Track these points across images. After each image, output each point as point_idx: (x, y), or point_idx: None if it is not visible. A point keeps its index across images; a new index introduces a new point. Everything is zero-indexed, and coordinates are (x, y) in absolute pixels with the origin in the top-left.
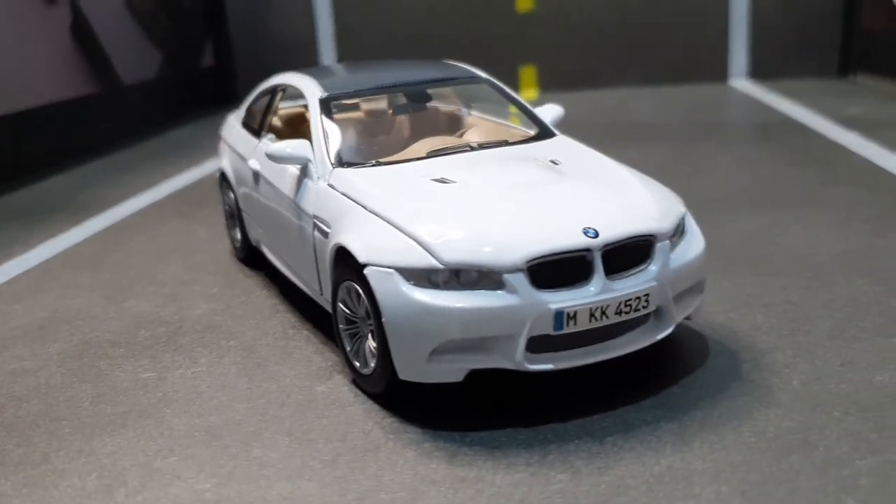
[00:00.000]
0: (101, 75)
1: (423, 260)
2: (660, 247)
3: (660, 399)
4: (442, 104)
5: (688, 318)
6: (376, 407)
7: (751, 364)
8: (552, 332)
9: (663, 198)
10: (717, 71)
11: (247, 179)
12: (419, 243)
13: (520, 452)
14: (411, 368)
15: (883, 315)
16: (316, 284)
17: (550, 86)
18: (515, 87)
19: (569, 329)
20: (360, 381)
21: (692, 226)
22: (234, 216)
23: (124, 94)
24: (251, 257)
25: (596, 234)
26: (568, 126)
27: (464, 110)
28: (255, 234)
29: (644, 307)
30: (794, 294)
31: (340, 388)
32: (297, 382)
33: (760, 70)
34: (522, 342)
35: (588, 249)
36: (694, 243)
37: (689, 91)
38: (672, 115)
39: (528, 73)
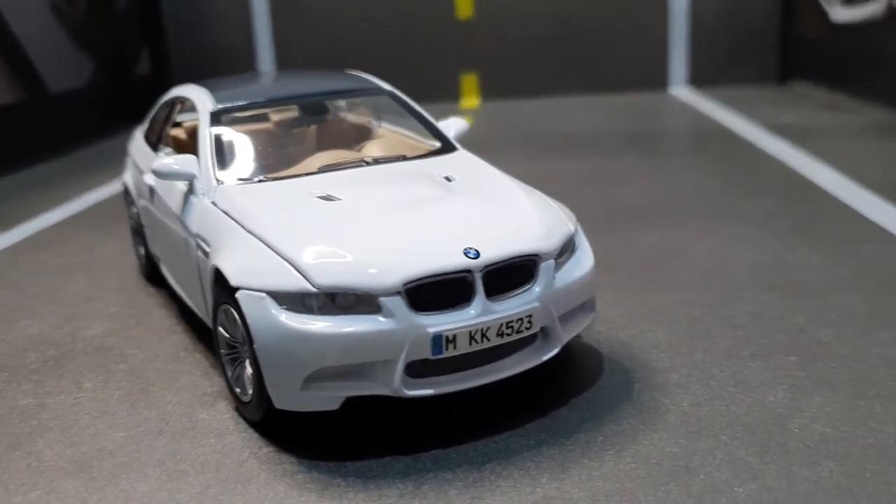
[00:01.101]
0: (24, 83)
1: (295, 283)
2: (544, 266)
3: (546, 422)
4: (351, 116)
5: (578, 336)
6: (256, 435)
7: (643, 384)
8: (431, 357)
9: (552, 216)
10: (658, 79)
11: (145, 194)
12: (293, 265)
13: (394, 482)
14: (286, 397)
15: (784, 332)
16: (203, 306)
17: (492, 94)
18: (457, 96)
19: (448, 353)
20: (241, 409)
21: (583, 243)
22: (139, 232)
23: (51, 103)
24: (155, 274)
25: (477, 255)
26: (503, 135)
27: (374, 122)
28: (155, 250)
29: (527, 328)
30: (698, 309)
31: (223, 415)
32: (179, 409)
33: (700, 78)
34: (400, 368)
35: (468, 270)
36: (583, 261)
37: (629, 100)
38: (608, 124)
39: (469, 80)
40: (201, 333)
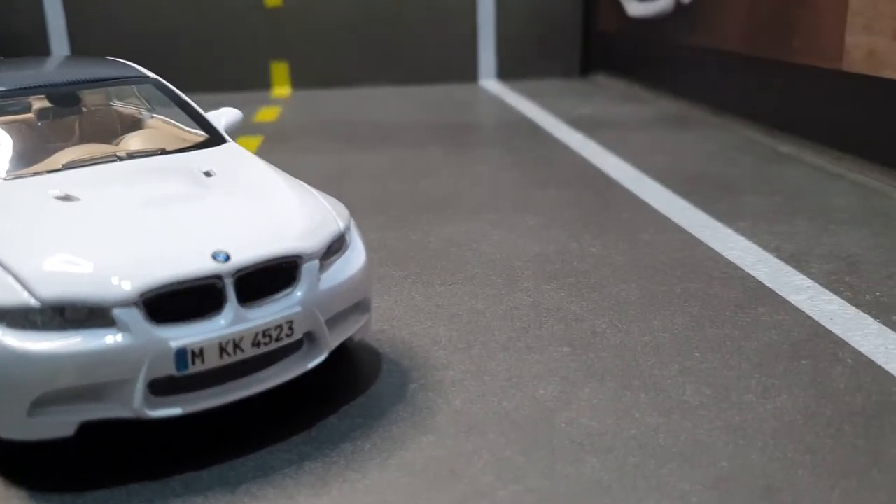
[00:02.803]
0: None
1: (15, 297)
2: (307, 268)
3: (312, 433)
4: (118, 106)
5: (351, 339)
6: None
7: (419, 384)
8: (176, 374)
9: (318, 213)
10: (468, 72)
11: None
12: (14, 276)
13: None
14: (11, 425)
15: (560, 322)
16: None
17: (303, 83)
18: (268, 84)
19: (196, 368)
20: None
21: (355, 241)
22: None
23: None
24: None
25: (227, 259)
26: (312, 125)
27: (145, 113)
28: None
29: (288, 336)
30: (482, 302)
31: None
32: None
33: (508, 71)
34: (140, 387)
35: (217, 276)
36: (353, 260)
37: (440, 91)
38: (417, 115)
39: (279, 69)
40: None
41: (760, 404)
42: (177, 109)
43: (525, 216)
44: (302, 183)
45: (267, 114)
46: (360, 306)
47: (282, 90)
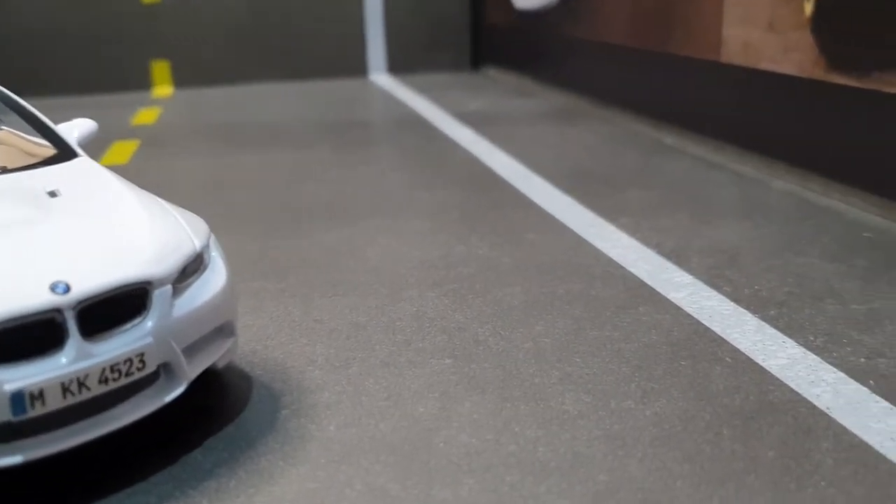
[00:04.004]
0: None
1: None
2: (158, 295)
3: (174, 471)
4: None
5: (215, 365)
6: None
7: (291, 410)
8: (13, 419)
9: (172, 233)
10: (358, 66)
11: None
12: None
13: None
14: None
15: (443, 332)
16: None
17: (187, 82)
18: (149, 84)
19: (36, 412)
20: None
21: (215, 260)
22: None
23: None
24: None
25: (67, 290)
26: (193, 126)
27: None
28: None
29: (139, 369)
30: (362, 315)
31: None
32: None
33: (398, 65)
34: None
35: (57, 310)
36: (213, 281)
37: (330, 87)
38: (305, 113)
39: (160, 68)
40: None
41: (640, 410)
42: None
43: (412, 219)
44: (158, 200)
45: (146, 116)
46: (224, 330)
47: (163, 90)
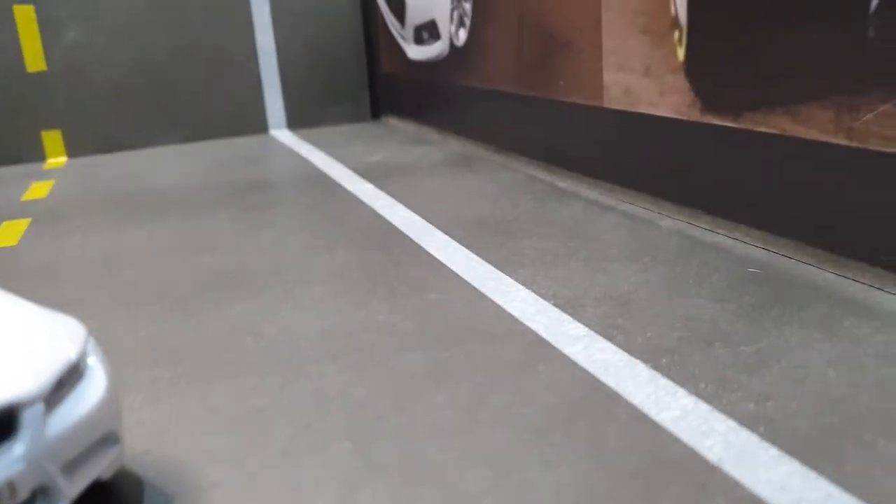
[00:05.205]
0: None
1: None
2: (28, 416)
3: None
4: None
5: (100, 478)
6: None
7: None
8: None
9: (41, 346)
10: (257, 123)
11: None
12: None
13: None
14: None
15: (343, 411)
16: None
17: (80, 150)
18: (41, 155)
19: None
20: None
21: (93, 367)
22: None
23: None
24: None
25: None
26: (86, 198)
27: None
28: None
29: (11, 498)
30: (263, 398)
31: None
32: None
33: (298, 119)
34: None
35: None
36: (91, 390)
37: (228, 147)
38: (204, 176)
39: (52, 137)
40: None
41: (540, 481)
42: None
43: (312, 286)
44: (27, 305)
45: (38, 190)
46: (107, 440)
47: (56, 160)
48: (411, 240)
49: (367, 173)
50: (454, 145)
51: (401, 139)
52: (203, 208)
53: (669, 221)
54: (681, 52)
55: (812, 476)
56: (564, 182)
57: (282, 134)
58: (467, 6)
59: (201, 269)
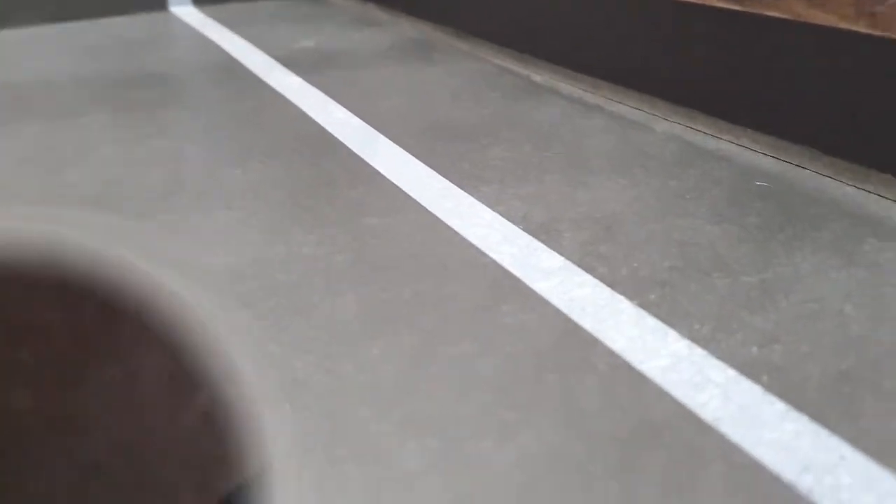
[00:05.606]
0: None
1: None
2: None
3: None
4: None
5: None
6: None
7: None
8: None
9: None
10: None
11: None
12: None
13: None
14: None
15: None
16: None
17: None
18: None
19: None
20: None
21: None
22: None
23: None
24: None
25: None
26: None
27: None
28: None
29: None
30: None
31: None
32: None
33: None
34: None
35: None
36: None
37: (115, 27)
38: (78, 66)
39: None
40: None
41: (498, 454)
42: None
43: (215, 211)
44: None
45: None
46: None
47: None
48: (348, 149)
49: (294, 63)
50: (406, 28)
51: (340, 19)
52: (73, 107)
53: (665, 124)
54: None
55: (823, 434)
56: (541, 75)
57: (184, 11)
58: None
59: (65, 187)
